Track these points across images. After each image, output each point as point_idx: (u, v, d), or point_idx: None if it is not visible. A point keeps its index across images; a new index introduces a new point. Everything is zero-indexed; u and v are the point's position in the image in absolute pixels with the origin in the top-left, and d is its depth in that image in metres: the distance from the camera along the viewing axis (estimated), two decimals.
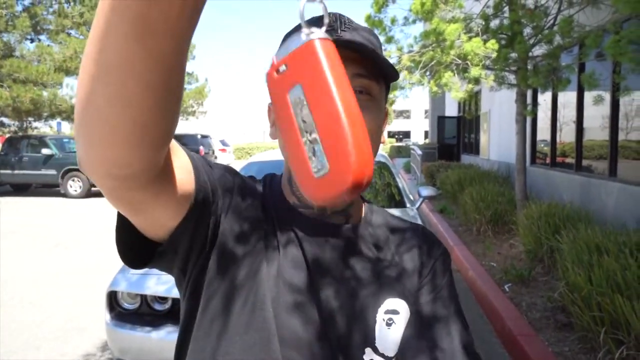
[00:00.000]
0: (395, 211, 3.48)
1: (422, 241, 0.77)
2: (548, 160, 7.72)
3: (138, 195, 0.51)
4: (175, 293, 2.46)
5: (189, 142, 18.00)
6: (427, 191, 4.09)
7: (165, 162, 0.52)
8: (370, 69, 0.64)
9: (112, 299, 2.58)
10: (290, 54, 0.44)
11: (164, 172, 0.53)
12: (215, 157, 19.90)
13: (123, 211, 0.56)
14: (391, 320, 0.67)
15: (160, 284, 2.52)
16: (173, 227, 0.60)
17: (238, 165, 4.31)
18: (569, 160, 6.98)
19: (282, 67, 0.44)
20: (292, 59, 0.44)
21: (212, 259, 0.65)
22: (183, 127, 26.64)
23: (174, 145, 0.57)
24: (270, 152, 4.44)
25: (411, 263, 0.74)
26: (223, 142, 22.62)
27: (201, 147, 18.00)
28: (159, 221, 0.58)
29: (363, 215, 0.76)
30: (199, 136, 18.77)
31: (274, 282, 0.64)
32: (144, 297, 2.56)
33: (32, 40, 15.23)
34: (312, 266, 0.67)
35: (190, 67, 25.75)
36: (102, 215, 9.29)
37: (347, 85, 0.43)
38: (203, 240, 0.64)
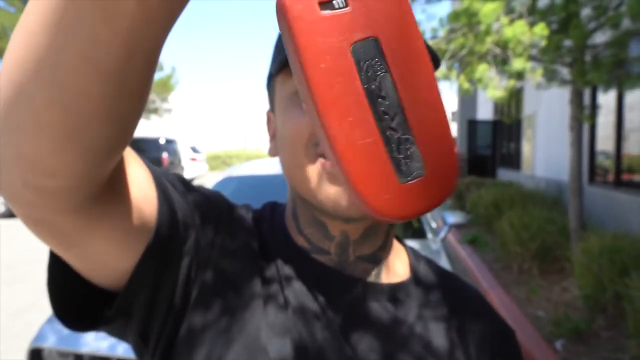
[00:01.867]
0: (413, 243, 3.42)
1: (481, 315, 0.73)
2: (611, 178, 7.69)
3: (65, 221, 0.46)
4: (122, 351, 2.38)
5: (150, 148, 17.97)
6: (454, 217, 4.06)
7: (114, 175, 0.48)
8: None
9: (36, 359, 2.49)
10: None
11: (110, 190, 0.48)
12: (183, 168, 19.89)
13: (47, 243, 0.51)
14: None
15: (102, 338, 2.45)
16: (124, 270, 0.54)
17: (212, 179, 4.24)
18: (638, 177, 6.95)
19: (338, 2, 0.36)
20: None
21: (187, 322, 0.59)
22: (142, 128, 26.66)
23: (129, 153, 0.53)
24: (254, 163, 4.38)
25: (472, 346, 0.70)
26: (194, 149, 22.66)
27: (164, 155, 17.98)
28: (100, 261, 0.53)
29: (409, 266, 0.72)
30: (162, 140, 18.75)
31: None
32: (79, 358, 2.47)
33: None
34: (342, 344, 0.61)
35: None
36: (32, 242, 9.17)
37: None
38: (171, 293, 0.58)
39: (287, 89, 0.63)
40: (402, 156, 0.37)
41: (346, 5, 0.36)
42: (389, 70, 0.36)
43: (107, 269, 0.54)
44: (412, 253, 0.75)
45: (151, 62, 0.39)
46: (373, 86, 0.36)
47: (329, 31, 0.35)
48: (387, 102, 0.36)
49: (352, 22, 0.36)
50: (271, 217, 0.71)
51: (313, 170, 0.60)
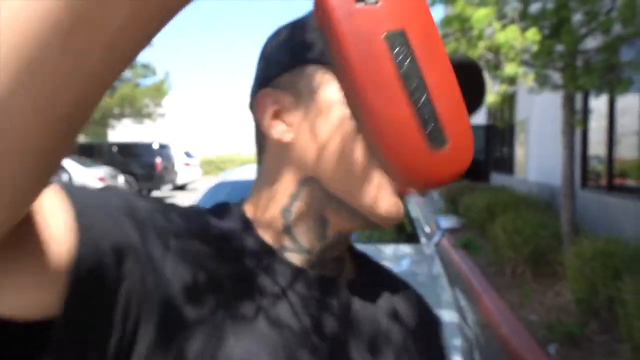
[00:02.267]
0: (407, 248, 3.42)
1: (417, 306, 0.77)
2: (603, 182, 7.71)
3: None
4: None
5: (143, 153, 17.92)
6: (448, 222, 4.06)
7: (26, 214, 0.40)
8: None
9: None
10: None
11: (18, 231, 0.40)
12: (176, 173, 19.82)
13: None
14: None
15: None
16: (49, 303, 0.46)
17: (205, 184, 4.22)
18: (631, 182, 6.97)
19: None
20: None
21: (142, 343, 0.53)
22: (136, 133, 26.57)
23: None
24: (248, 168, 4.37)
25: (411, 333, 0.73)
26: (187, 154, 22.59)
27: (158, 159, 17.92)
28: (17, 306, 0.45)
29: (353, 260, 0.73)
30: (155, 145, 18.70)
31: None
32: None
33: None
34: (313, 341, 0.60)
35: (146, 56, 25.85)
36: None
37: None
38: (108, 323, 0.50)
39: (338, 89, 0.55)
40: (429, 130, 0.43)
41: (377, 2, 0.42)
42: (415, 58, 0.42)
43: (28, 309, 0.46)
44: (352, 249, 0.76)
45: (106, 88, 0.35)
46: (402, 70, 0.42)
47: (363, 20, 0.42)
48: (414, 85, 0.43)
49: (383, 15, 0.42)
50: (228, 218, 0.65)
51: (374, 180, 0.56)
